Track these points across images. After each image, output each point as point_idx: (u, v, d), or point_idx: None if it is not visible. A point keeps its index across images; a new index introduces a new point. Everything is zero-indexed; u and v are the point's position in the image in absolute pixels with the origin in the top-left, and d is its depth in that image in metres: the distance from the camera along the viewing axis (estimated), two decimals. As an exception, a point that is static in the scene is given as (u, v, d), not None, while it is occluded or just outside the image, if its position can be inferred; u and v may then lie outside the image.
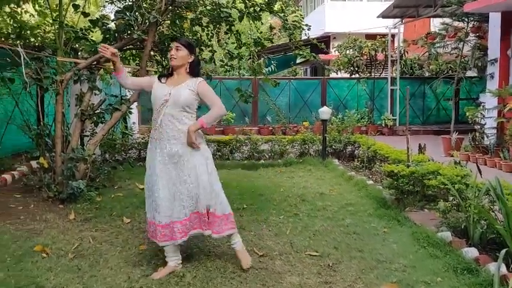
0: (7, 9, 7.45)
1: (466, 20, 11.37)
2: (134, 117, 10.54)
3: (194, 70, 3.52)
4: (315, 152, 8.82)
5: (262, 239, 4.23)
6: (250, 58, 6.91)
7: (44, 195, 5.44)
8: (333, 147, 8.82)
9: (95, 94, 6.12)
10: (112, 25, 5.97)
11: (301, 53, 6.55)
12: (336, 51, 16.51)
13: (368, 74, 15.90)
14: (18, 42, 7.01)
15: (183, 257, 3.61)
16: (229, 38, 6.78)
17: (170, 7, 5.88)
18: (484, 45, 11.44)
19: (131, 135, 8.96)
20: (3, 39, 7.37)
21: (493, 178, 4.17)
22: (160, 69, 6.52)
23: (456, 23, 12.07)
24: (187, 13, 6.39)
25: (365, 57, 15.77)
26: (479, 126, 9.68)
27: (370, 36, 17.21)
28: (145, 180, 3.62)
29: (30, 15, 8.30)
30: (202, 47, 6.74)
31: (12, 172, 6.43)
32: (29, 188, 5.79)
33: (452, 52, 12.70)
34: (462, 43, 11.66)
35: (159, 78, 3.59)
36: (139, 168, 7.21)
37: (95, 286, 3.26)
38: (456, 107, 13.09)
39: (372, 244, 4.14)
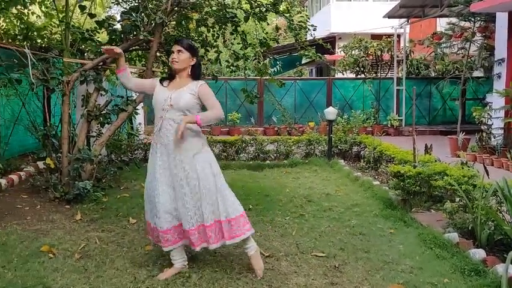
0: (14, 11, 7.49)
1: (473, 19, 11.31)
2: (140, 118, 10.58)
3: (196, 73, 3.48)
4: (320, 153, 8.81)
5: (268, 240, 4.22)
6: (255, 58, 6.91)
7: (50, 195, 5.46)
8: (339, 147, 8.80)
9: (101, 95, 6.15)
10: (118, 26, 5.99)
11: (306, 53, 6.54)
12: (342, 52, 16.48)
13: (374, 74, 15.86)
14: (25, 43, 7.06)
15: (189, 257, 3.61)
16: (234, 39, 6.78)
17: (176, 8, 5.89)
18: (491, 45, 11.37)
19: (137, 136, 8.99)
20: (10, 40, 7.42)
21: (500, 179, 4.15)
22: (166, 70, 6.53)
23: (462, 23, 12.01)
24: (193, 14, 6.39)
25: (371, 57, 15.72)
26: (486, 127, 9.62)
27: (376, 37, 17.16)
28: (145, 185, 3.59)
29: (37, 17, 8.34)
30: (208, 48, 6.75)
31: (19, 173, 6.45)
32: (35, 189, 5.82)
33: (458, 52, 12.64)
34: (468, 43, 11.60)
35: (161, 81, 3.54)
36: (145, 168, 7.16)
37: (101, 287, 3.27)
38: (462, 107, 13.02)
39: (379, 245, 4.13)
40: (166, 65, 6.83)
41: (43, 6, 7.90)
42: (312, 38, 6.57)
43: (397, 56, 15.27)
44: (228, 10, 6.16)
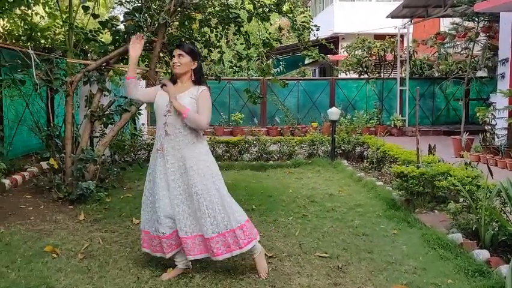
0: (18, 12, 7.51)
1: (476, 19, 11.28)
2: (143, 119, 10.60)
3: (198, 77, 3.43)
4: (323, 153, 8.79)
5: (271, 240, 4.22)
6: (258, 59, 6.91)
7: (54, 196, 5.47)
8: (342, 148, 8.79)
9: (104, 95, 6.16)
10: (122, 26, 6.00)
11: (309, 53, 6.53)
12: (345, 52, 16.45)
13: (377, 75, 15.83)
14: (28, 44, 7.08)
15: (192, 258, 3.61)
16: (237, 39, 6.79)
17: (179, 8, 5.89)
18: (495, 45, 11.34)
19: (141, 136, 9.01)
20: (14, 41, 7.44)
21: (504, 179, 4.13)
22: (169, 71, 6.54)
23: (466, 23, 11.97)
24: (196, 14, 6.40)
25: (374, 57, 15.70)
26: (489, 127, 9.58)
27: (379, 37, 17.13)
28: (144, 191, 3.56)
29: (40, 17, 8.37)
30: (211, 48, 6.75)
31: (23, 173, 6.47)
32: (39, 189, 5.84)
33: (462, 52, 12.61)
34: (472, 43, 11.56)
35: (162, 87, 3.50)
36: (148, 169, 7.23)
37: (104, 287, 3.27)
38: (466, 107, 12.99)
39: (382, 246, 4.12)
40: (169, 66, 6.84)
41: (47, 7, 7.93)
42: (315, 38, 6.56)
43: (400, 56, 15.23)
44: (231, 10, 6.17)
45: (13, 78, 5.55)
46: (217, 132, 11.18)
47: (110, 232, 4.43)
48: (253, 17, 6.17)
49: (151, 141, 8.45)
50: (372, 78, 15.28)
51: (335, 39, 19.62)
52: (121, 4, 6.25)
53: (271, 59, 7.25)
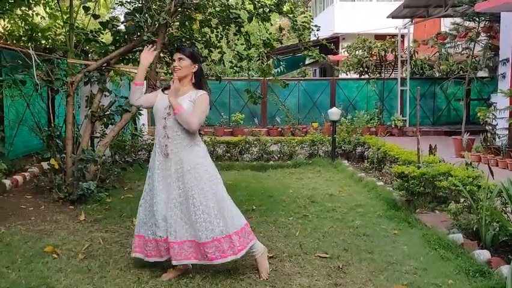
0: (18, 12, 7.52)
1: (477, 19, 11.27)
2: (143, 119, 10.60)
3: (198, 80, 3.42)
4: (324, 153, 8.79)
5: (272, 241, 4.22)
6: (259, 59, 6.91)
7: (54, 196, 5.48)
8: (343, 148, 8.79)
9: (105, 96, 6.16)
10: (122, 27, 6.01)
11: (310, 53, 6.53)
12: (346, 52, 16.44)
13: (378, 75, 15.82)
14: (29, 44, 7.09)
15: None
16: (238, 39, 6.78)
17: (179, 9, 5.89)
18: (496, 45, 11.34)
19: (141, 137, 9.01)
20: (14, 41, 7.45)
21: (505, 179, 4.13)
22: (170, 71, 6.54)
23: (467, 23, 11.97)
24: (196, 15, 6.40)
25: (375, 57, 15.69)
26: (490, 127, 9.58)
27: (379, 37, 17.11)
28: (143, 193, 3.55)
29: (41, 18, 8.38)
30: (212, 48, 6.75)
31: (24, 173, 6.48)
32: (39, 189, 5.84)
33: (463, 52, 12.61)
34: (473, 43, 11.56)
35: (163, 90, 3.50)
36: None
37: (105, 287, 3.27)
38: (467, 107, 12.98)
39: (382, 246, 4.11)
40: (169, 66, 6.84)
41: (47, 8, 7.94)
42: (315, 38, 6.56)
43: (401, 56, 15.22)
44: (231, 11, 6.17)
45: (14, 79, 5.55)
46: (217, 133, 11.18)
47: (110, 232, 4.43)
48: (254, 17, 6.17)
49: (152, 142, 8.45)
50: (373, 78, 15.27)
51: (335, 40, 19.61)
52: (122, 4, 6.25)
53: (271, 59, 7.25)
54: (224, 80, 13.12)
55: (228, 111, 14.90)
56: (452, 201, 4.68)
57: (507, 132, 9.11)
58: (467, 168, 5.24)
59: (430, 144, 6.89)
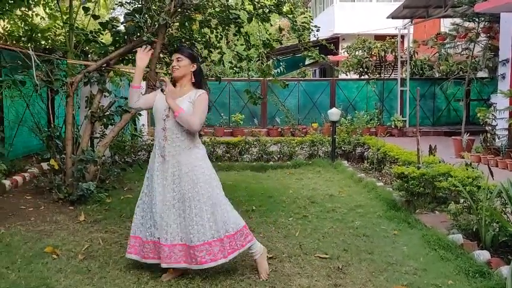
0: (18, 13, 7.52)
1: (477, 20, 11.27)
2: (143, 119, 10.60)
3: (198, 79, 3.42)
4: (324, 154, 8.79)
5: (271, 241, 4.21)
6: (259, 59, 6.91)
7: (54, 196, 5.47)
8: (343, 148, 8.79)
9: (105, 96, 6.16)
10: (122, 27, 6.01)
11: (310, 54, 6.53)
12: (345, 52, 16.45)
13: (378, 75, 15.82)
14: (29, 45, 7.08)
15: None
16: (238, 40, 6.78)
17: (179, 9, 5.89)
18: (495, 45, 11.34)
19: (141, 137, 9.01)
20: (14, 42, 7.45)
21: (504, 180, 4.13)
22: (169, 72, 6.54)
23: (467, 24, 11.97)
24: (196, 15, 6.40)
25: (375, 58, 15.69)
26: (490, 128, 9.58)
27: (379, 37, 17.12)
28: (140, 194, 3.55)
29: (41, 18, 8.38)
30: (211, 49, 6.75)
31: (23, 174, 6.47)
32: (39, 190, 5.84)
33: (462, 53, 12.61)
34: (473, 43, 11.56)
35: (162, 90, 3.47)
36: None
37: (104, 287, 3.27)
38: (467, 108, 12.98)
39: (382, 246, 4.11)
40: (169, 66, 6.84)
41: (47, 8, 7.93)
42: (315, 38, 6.56)
43: (401, 57, 15.22)
44: (231, 11, 6.16)
45: (13, 79, 5.55)
46: (217, 133, 11.18)
47: (110, 233, 4.43)
48: (254, 18, 6.17)
49: (151, 142, 8.45)
50: (373, 78, 15.27)
51: (335, 40, 19.60)
52: (121, 5, 6.25)
53: (271, 60, 7.25)
54: (224, 80, 13.12)
55: (227, 111, 14.91)
56: (452, 202, 4.68)
57: (507, 132, 9.11)
58: (467, 169, 5.24)
59: (430, 145, 6.89)
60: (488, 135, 9.30)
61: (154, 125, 3.52)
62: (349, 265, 3.70)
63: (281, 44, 7.91)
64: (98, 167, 5.82)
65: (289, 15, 6.27)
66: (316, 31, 6.33)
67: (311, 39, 6.95)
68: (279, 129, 14.19)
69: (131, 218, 4.78)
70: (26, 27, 7.64)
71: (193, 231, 3.28)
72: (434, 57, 15.14)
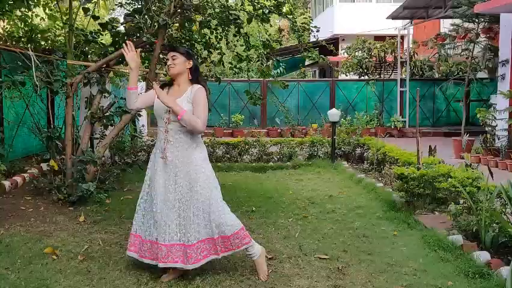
0: (18, 13, 7.52)
1: (477, 21, 11.28)
2: (143, 120, 10.60)
3: (195, 76, 3.41)
4: (324, 154, 8.79)
5: (271, 242, 4.21)
6: (258, 60, 6.91)
7: (54, 197, 5.47)
8: (342, 149, 8.79)
9: (104, 97, 6.16)
10: (122, 28, 6.01)
11: (310, 54, 6.54)
12: (345, 53, 16.46)
13: (377, 76, 15.84)
14: (28, 45, 7.08)
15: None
16: (237, 40, 6.79)
17: (179, 10, 5.90)
18: (495, 46, 11.35)
19: (141, 138, 9.00)
20: (14, 42, 7.44)
21: (504, 181, 4.13)
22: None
23: (466, 24, 11.98)
24: (196, 16, 6.40)
25: (374, 58, 15.70)
26: (490, 128, 9.58)
27: (379, 38, 17.14)
28: (141, 194, 3.55)
29: (40, 19, 8.37)
30: (211, 50, 6.75)
31: (23, 174, 6.47)
32: (39, 191, 5.83)
33: (462, 53, 12.61)
34: (472, 44, 11.56)
35: (161, 87, 3.47)
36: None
37: (104, 288, 3.27)
38: (466, 108, 12.98)
39: (382, 247, 4.11)
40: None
41: (47, 9, 7.92)
42: (315, 39, 6.56)
43: (401, 58, 15.24)
44: (231, 12, 6.17)
45: (13, 80, 5.56)
46: (217, 134, 11.16)
47: (110, 234, 4.43)
48: (253, 19, 6.18)
49: (151, 143, 8.45)
50: (373, 79, 15.29)
51: (335, 41, 19.60)
52: (121, 6, 6.26)
53: (271, 60, 7.25)
54: (224, 81, 13.11)
55: (227, 112, 14.91)
56: (452, 203, 4.68)
57: (507, 133, 9.11)
58: (467, 170, 5.24)
59: (430, 146, 6.89)
60: (488, 136, 9.30)
61: (155, 124, 3.52)
62: (349, 266, 3.70)
63: (281, 44, 7.91)
64: (98, 167, 5.82)
65: (289, 16, 6.28)
66: (316, 32, 6.34)
67: (311, 40, 6.95)
68: (279, 130, 14.19)
69: (131, 218, 4.78)
70: (26, 28, 7.63)
71: (191, 230, 3.29)
72: (434, 58, 15.15)
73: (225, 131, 14.04)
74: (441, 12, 12.46)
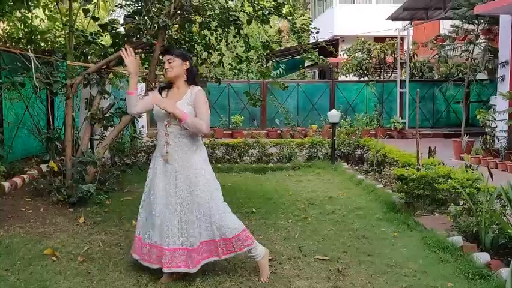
0: (18, 14, 7.52)
1: (476, 22, 11.29)
2: (143, 121, 10.60)
3: (192, 77, 3.41)
4: (323, 156, 8.79)
5: (271, 243, 4.21)
6: (258, 61, 6.91)
7: (54, 198, 5.46)
8: (342, 150, 8.79)
9: (104, 98, 6.16)
10: (121, 29, 6.01)
11: (309, 56, 6.54)
12: (345, 54, 16.48)
13: (377, 77, 15.86)
14: (28, 46, 7.07)
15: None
16: (237, 42, 6.79)
17: (179, 11, 5.90)
18: (495, 47, 11.35)
19: (140, 139, 9.00)
20: (14, 44, 7.44)
21: (504, 182, 4.13)
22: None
23: (466, 25, 11.99)
24: (196, 17, 6.41)
25: (374, 60, 15.72)
26: (490, 129, 9.58)
27: (379, 39, 17.15)
28: (143, 197, 3.55)
29: (40, 20, 8.36)
30: (211, 51, 6.75)
31: (23, 176, 6.46)
32: (39, 192, 5.82)
33: (462, 55, 12.61)
34: (472, 45, 11.57)
35: (160, 91, 3.47)
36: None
37: (104, 290, 3.27)
38: (466, 109, 12.98)
39: (382, 248, 4.11)
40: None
41: (47, 10, 7.92)
42: (315, 40, 6.57)
43: (400, 59, 15.25)
44: (230, 13, 6.17)
45: (13, 81, 5.55)
46: (217, 135, 11.17)
47: (110, 235, 4.42)
48: (253, 20, 6.18)
49: (151, 144, 8.45)
50: (372, 80, 15.30)
51: (334, 42, 19.60)
52: (121, 7, 6.26)
53: (271, 62, 7.25)
54: (223, 82, 13.10)
55: (227, 113, 14.92)
56: (452, 204, 4.68)
57: (506, 134, 9.11)
58: (467, 171, 5.24)
59: (430, 147, 6.90)
60: (488, 137, 9.31)
61: (155, 125, 3.51)
62: (348, 267, 3.70)
63: (281, 45, 7.92)
64: (98, 168, 5.81)
65: (288, 17, 6.28)
66: (316, 33, 6.34)
67: (311, 41, 6.96)
68: (279, 131, 14.20)
69: (131, 220, 4.83)
70: (26, 29, 7.63)
71: (194, 233, 3.30)
72: (434, 59, 15.15)
73: (224, 132, 14.04)
74: (441, 14, 12.47)
